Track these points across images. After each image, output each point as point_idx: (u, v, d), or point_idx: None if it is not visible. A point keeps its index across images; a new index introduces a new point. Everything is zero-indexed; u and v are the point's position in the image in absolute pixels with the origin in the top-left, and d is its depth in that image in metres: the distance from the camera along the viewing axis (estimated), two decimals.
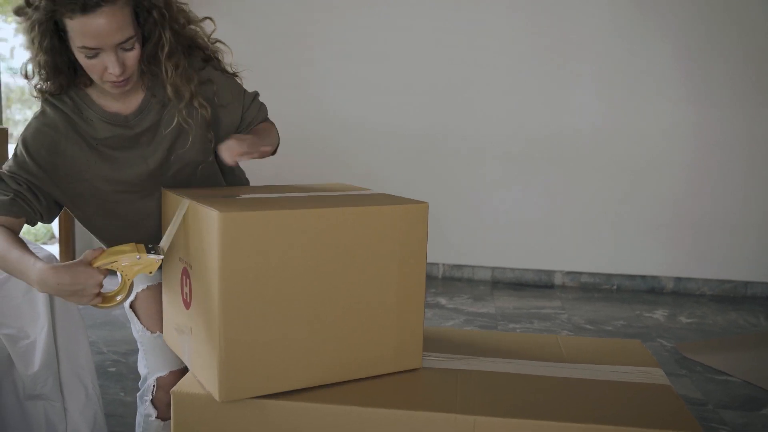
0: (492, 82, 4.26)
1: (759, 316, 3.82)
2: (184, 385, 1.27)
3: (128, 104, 1.39)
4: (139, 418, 1.62)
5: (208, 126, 1.43)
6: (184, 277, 1.31)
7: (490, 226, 4.37)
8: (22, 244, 1.28)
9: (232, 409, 1.23)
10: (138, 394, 1.63)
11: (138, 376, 2.71)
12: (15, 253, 1.25)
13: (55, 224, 4.85)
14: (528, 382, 1.35)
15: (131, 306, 1.59)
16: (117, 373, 2.71)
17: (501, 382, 1.34)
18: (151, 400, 1.58)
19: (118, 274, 1.23)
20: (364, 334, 1.30)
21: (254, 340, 1.20)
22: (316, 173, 3.86)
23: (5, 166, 1.36)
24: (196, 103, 1.38)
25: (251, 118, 1.54)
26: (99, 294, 1.20)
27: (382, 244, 1.29)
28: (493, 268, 4.40)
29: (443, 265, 4.42)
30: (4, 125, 3.83)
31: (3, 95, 4.70)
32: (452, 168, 4.34)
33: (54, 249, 4.43)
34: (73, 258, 4.27)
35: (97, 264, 1.19)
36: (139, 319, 1.58)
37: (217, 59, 1.50)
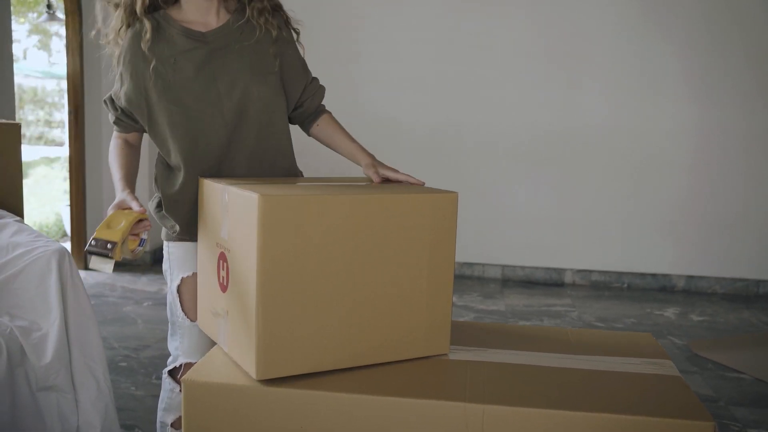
0: (501, 82, 4.26)
1: None
2: (194, 374, 1.28)
3: (208, 24, 1.51)
4: (163, 395, 1.67)
5: (276, 69, 1.54)
6: (221, 262, 1.35)
7: (501, 224, 4.36)
8: (121, 163, 1.53)
9: (242, 397, 1.23)
10: (164, 370, 1.66)
11: (149, 371, 2.74)
12: (115, 175, 1.51)
13: (67, 222, 4.88)
14: (538, 372, 1.35)
15: (178, 289, 1.62)
16: (128, 368, 2.72)
17: (511, 373, 1.34)
18: (172, 374, 1.63)
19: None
20: (396, 318, 1.33)
21: (291, 321, 1.23)
22: (325, 168, 3.86)
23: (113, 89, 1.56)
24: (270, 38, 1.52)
25: (311, 95, 1.63)
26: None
27: (415, 231, 1.32)
28: (504, 266, 4.39)
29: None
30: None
31: (16, 96, 4.74)
32: (462, 167, 4.34)
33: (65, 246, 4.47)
34: (85, 256, 4.31)
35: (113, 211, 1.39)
36: (181, 304, 1.61)
37: (295, 30, 1.61)
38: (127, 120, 1.56)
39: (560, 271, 4.36)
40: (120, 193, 1.44)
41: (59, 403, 1.82)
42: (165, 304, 3.66)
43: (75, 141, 4.19)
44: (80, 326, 1.88)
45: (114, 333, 3.14)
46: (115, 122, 1.59)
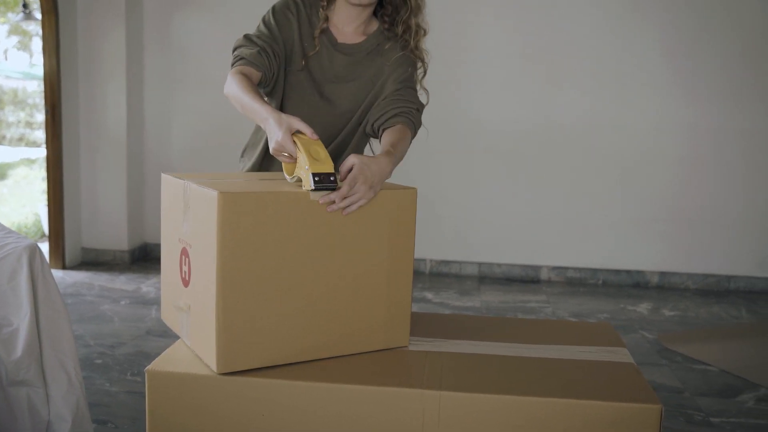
0: (481, 78, 4.30)
1: (741, 308, 3.87)
2: (158, 364, 1.31)
3: (344, 33, 1.70)
4: None
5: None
6: (183, 257, 1.38)
7: (478, 221, 4.41)
8: (256, 90, 1.52)
9: (205, 386, 1.26)
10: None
11: (124, 368, 2.76)
12: (248, 97, 1.48)
13: (45, 223, 4.87)
14: (494, 361, 1.39)
15: None
16: (103, 365, 2.73)
17: (468, 362, 1.38)
18: None
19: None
20: (356, 311, 1.37)
21: (251, 315, 1.26)
22: None
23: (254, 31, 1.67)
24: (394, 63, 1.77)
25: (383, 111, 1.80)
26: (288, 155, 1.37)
27: (374, 226, 1.36)
28: (480, 264, 4.44)
29: (430, 260, 4.46)
30: None
31: None
32: (440, 164, 4.37)
33: (43, 246, 4.45)
34: (63, 256, 4.30)
35: (294, 141, 1.34)
36: None
37: (423, 62, 1.87)
38: (266, 58, 1.61)
39: (536, 268, 4.41)
40: (279, 117, 1.37)
41: (30, 397, 1.84)
42: (142, 303, 3.67)
43: (52, 140, 4.19)
44: (51, 321, 1.90)
45: (90, 331, 3.15)
46: (257, 54, 1.59)
